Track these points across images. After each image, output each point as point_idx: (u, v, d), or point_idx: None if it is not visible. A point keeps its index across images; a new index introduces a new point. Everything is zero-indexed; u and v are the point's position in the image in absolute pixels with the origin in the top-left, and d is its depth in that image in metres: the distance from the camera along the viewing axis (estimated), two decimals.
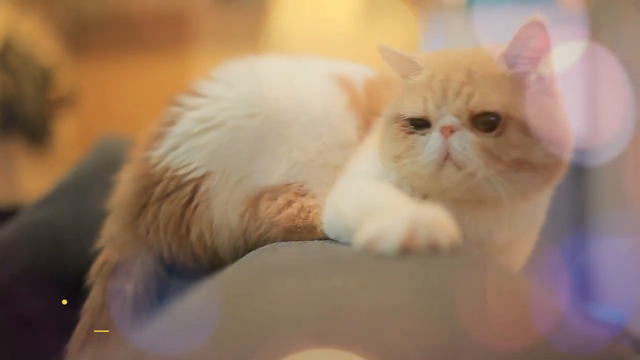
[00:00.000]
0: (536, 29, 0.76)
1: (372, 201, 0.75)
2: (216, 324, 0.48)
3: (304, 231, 0.87)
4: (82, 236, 1.16)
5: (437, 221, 0.64)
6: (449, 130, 0.75)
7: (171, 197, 0.91)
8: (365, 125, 0.96)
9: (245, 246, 0.90)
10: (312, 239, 0.85)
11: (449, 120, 0.76)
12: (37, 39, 3.12)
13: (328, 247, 0.78)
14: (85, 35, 3.23)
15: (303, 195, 0.89)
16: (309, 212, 0.88)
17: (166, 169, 0.91)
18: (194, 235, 0.90)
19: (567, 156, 0.80)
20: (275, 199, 0.88)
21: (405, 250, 0.62)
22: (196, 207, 0.90)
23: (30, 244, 1.14)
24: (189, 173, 0.90)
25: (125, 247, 0.94)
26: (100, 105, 3.35)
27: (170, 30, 3.04)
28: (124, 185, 0.96)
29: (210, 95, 0.94)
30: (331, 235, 0.84)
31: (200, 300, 0.59)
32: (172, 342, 0.48)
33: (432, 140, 0.76)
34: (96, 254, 0.98)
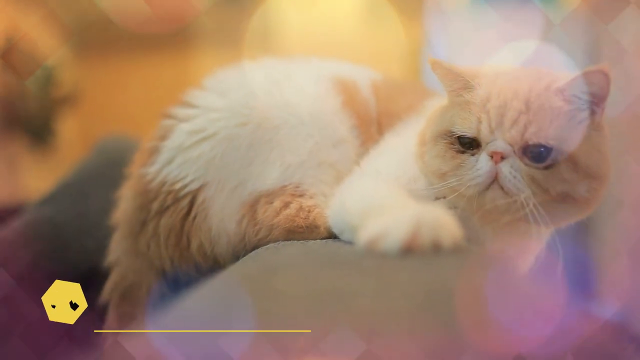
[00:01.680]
0: (599, 78, 0.76)
1: (376, 200, 0.76)
2: (221, 323, 0.48)
3: (306, 231, 0.87)
4: (84, 235, 1.17)
5: (441, 221, 0.65)
6: (499, 156, 0.76)
7: (169, 211, 0.91)
8: (363, 125, 0.96)
9: (244, 252, 0.90)
10: (315, 239, 0.85)
11: (500, 146, 0.77)
12: (40, 37, 3.12)
13: (330, 247, 0.79)
14: (88, 34, 3.22)
15: (300, 195, 0.89)
16: (309, 211, 0.88)
17: (162, 184, 0.91)
18: (194, 246, 0.91)
19: (606, 189, 0.80)
20: (272, 203, 0.88)
21: (408, 250, 0.62)
22: (195, 218, 0.90)
23: (33, 243, 1.14)
24: (185, 186, 0.90)
25: (131, 270, 0.95)
26: (103, 104, 3.35)
27: (170, 30, 3.04)
28: (124, 203, 0.97)
29: (201, 105, 0.94)
30: (335, 230, 0.84)
31: (204, 299, 0.59)
32: (177, 342, 0.49)
33: (481, 162, 0.78)
34: (103, 263, 0.99)
